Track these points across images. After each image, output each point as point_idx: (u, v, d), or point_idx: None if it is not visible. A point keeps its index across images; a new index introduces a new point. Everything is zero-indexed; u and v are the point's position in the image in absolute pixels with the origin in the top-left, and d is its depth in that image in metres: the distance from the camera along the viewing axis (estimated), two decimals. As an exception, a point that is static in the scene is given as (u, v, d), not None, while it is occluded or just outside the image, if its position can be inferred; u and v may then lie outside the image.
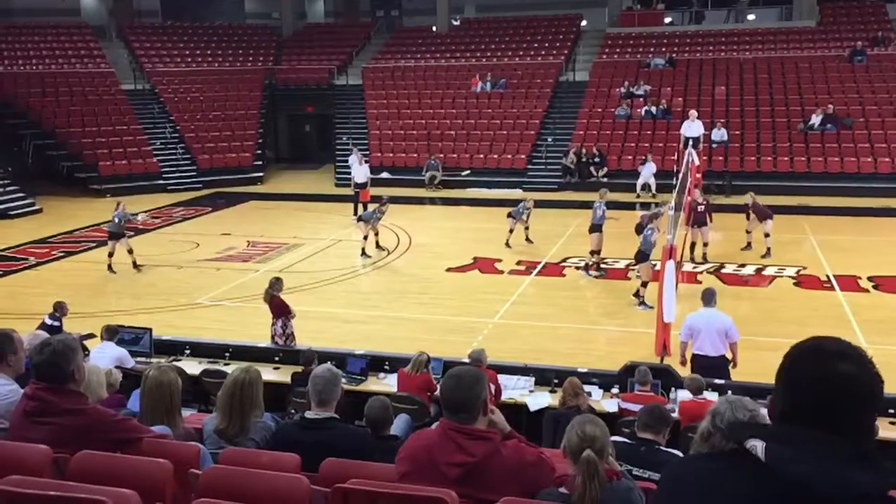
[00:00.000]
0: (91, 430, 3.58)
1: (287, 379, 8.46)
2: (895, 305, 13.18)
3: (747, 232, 16.51)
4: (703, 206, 15.96)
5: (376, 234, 17.20)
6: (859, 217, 19.46)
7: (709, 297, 9.13)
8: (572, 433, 3.37)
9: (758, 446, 1.55)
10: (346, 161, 24.77)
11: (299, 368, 8.40)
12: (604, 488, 3.14)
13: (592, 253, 15.23)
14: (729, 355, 8.82)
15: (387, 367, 8.90)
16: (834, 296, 13.63)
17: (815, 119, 24.42)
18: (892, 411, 7.48)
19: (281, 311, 10.41)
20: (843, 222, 18.93)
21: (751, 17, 31.46)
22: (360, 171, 21.08)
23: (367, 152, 26.37)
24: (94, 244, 18.29)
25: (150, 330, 9.52)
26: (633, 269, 14.31)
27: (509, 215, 17.41)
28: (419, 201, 23.81)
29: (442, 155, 26.56)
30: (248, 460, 3.69)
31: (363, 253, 16.82)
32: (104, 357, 8.05)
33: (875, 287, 13.99)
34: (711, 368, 8.50)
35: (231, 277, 15.54)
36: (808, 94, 25.86)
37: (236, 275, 15.72)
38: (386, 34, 34.73)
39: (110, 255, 15.82)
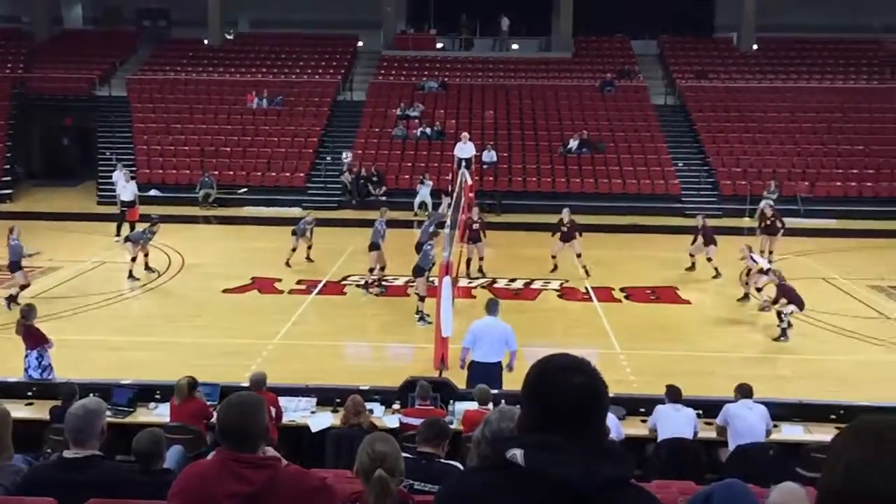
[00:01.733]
0: None
1: (44, 415, 7.71)
2: (643, 314, 14.57)
3: (690, 255, 17.01)
4: (478, 224, 16.71)
5: (146, 256, 16.26)
6: (612, 234, 21.25)
7: (492, 307, 9.75)
8: (363, 453, 3.38)
9: (518, 454, 1.74)
10: (110, 178, 23.20)
11: (58, 402, 7.70)
12: (396, 506, 3.17)
13: (371, 270, 15.41)
14: (505, 362, 9.35)
15: (158, 397, 8.40)
16: (592, 306, 14.81)
17: (573, 143, 26.48)
18: (833, 417, 8.10)
19: (35, 341, 9.51)
20: (599, 238, 20.59)
21: (514, 46, 33.54)
22: (126, 189, 19.83)
23: (134, 168, 24.85)
24: None
25: None
26: (412, 286, 14.65)
27: (293, 232, 17.19)
28: (192, 220, 22.79)
29: (217, 172, 25.64)
30: (-4, 509, 3.32)
31: (131, 275, 15.81)
32: None
33: (626, 297, 15.38)
34: (488, 375, 8.98)
35: (-26, 306, 13.93)
36: (566, 120, 27.97)
37: (-19, 303, 14.10)
38: (153, 45, 32.98)
39: None
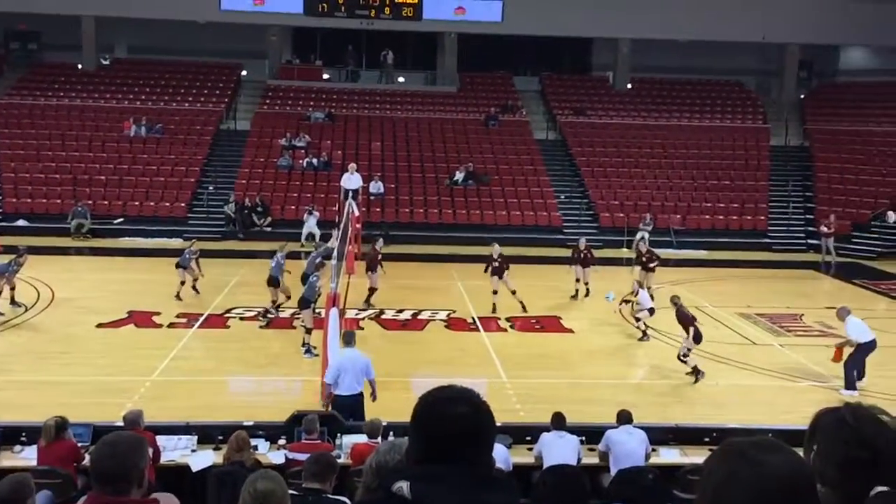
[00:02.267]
0: None
1: None
2: (528, 343, 14.87)
3: (577, 280, 17.87)
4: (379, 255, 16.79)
5: (12, 289, 15.30)
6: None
7: (349, 338, 9.81)
8: (245, 492, 3.27)
9: (403, 487, 1.75)
10: (-28, 206, 21.81)
11: None
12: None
13: (274, 303, 15.19)
14: (367, 392, 9.43)
15: (24, 439, 7.88)
16: (479, 336, 14.99)
17: (459, 175, 26.91)
18: (707, 440, 8.26)
19: None
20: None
21: (401, 79, 33.89)
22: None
23: (0, 197, 23.46)
24: None
25: None
26: (297, 318, 14.41)
27: (177, 265, 16.66)
28: (64, 252, 21.64)
29: (91, 201, 24.53)
30: None
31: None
32: None
33: (511, 327, 15.66)
34: (352, 407, 9.12)
35: None
36: (452, 153, 28.43)
37: None
38: (22, 68, 31.36)
39: None
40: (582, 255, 17.95)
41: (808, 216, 27.48)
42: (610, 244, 25.35)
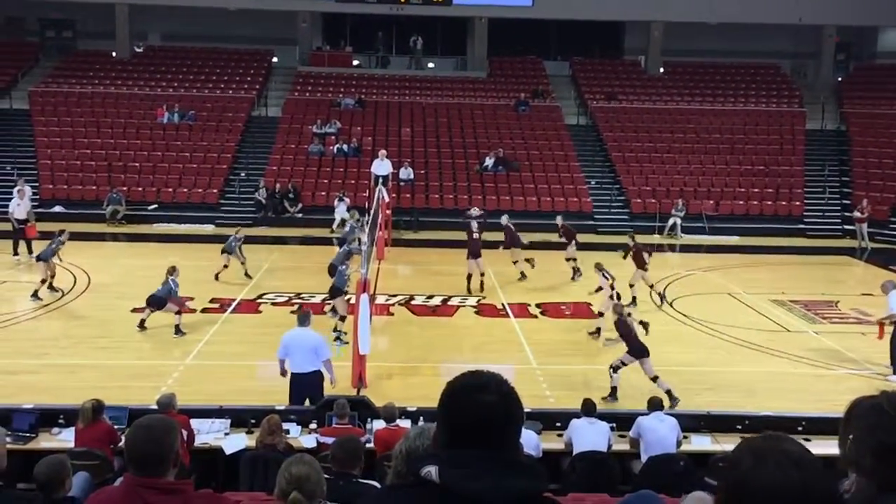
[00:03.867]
0: None
1: (-65, 445, 7.28)
2: (558, 329, 14.82)
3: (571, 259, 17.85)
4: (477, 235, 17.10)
5: (52, 276, 15.59)
6: (528, 250, 21.59)
7: (303, 318, 9.90)
8: (280, 476, 3.31)
9: (432, 471, 1.76)
10: (11, 193, 22.19)
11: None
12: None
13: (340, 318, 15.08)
14: (324, 371, 9.50)
15: (62, 421, 8.05)
16: (509, 322, 14.97)
17: (489, 161, 26.82)
18: (739, 427, 8.27)
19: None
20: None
21: (430, 65, 33.83)
22: (20, 207, 18.99)
23: (37, 184, 23.87)
24: None
25: None
26: (328, 305, 14.50)
27: (223, 251, 17.07)
28: (99, 237, 22.00)
29: (126, 188, 24.87)
30: None
31: (35, 295, 15.11)
32: None
33: (542, 313, 15.62)
34: (306, 385, 9.29)
35: None
36: (481, 139, 28.34)
37: None
38: (57, 57, 31.80)
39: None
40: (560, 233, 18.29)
41: (844, 201, 27.00)
42: (641, 230, 25.14)
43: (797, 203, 26.67)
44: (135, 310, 14.74)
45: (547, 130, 29.03)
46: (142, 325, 13.47)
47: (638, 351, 10.61)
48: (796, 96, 31.52)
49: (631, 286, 15.83)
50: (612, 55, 34.83)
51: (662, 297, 16.25)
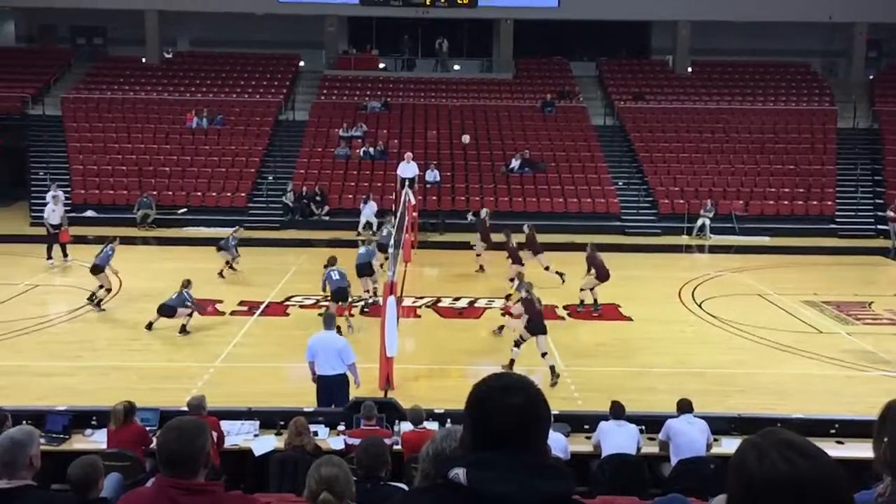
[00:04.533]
0: None
1: (-28, 445, 7.41)
2: (585, 331, 14.74)
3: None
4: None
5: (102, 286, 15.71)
6: (554, 252, 21.51)
7: (328, 321, 9.97)
8: (310, 478, 3.33)
9: (460, 473, 1.76)
10: (43, 198, 22.58)
11: (-13, 432, 7.40)
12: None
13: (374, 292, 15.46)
14: (349, 375, 9.58)
15: (94, 423, 8.15)
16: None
17: (515, 163, 26.77)
18: (833, 431, 8.16)
19: (-37, 368, 9.13)
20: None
21: (456, 67, 33.84)
22: (54, 213, 19.29)
23: (69, 188, 24.26)
24: None
25: None
26: (355, 306, 14.57)
27: (218, 249, 17.63)
28: (130, 241, 22.21)
29: (155, 192, 25.17)
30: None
31: (98, 304, 15.10)
32: None
33: (569, 315, 15.54)
34: (332, 386, 9.40)
35: None
36: (507, 140, 28.28)
37: None
38: (89, 63, 32.29)
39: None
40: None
41: (877, 200, 26.55)
42: (669, 231, 24.99)
43: (829, 203, 26.29)
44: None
45: (574, 131, 28.92)
46: (149, 327, 13.77)
47: (537, 328, 11.67)
48: (827, 95, 31.08)
49: (581, 290, 15.69)
50: (639, 55, 34.59)
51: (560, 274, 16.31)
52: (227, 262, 17.70)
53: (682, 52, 32.45)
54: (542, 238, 22.15)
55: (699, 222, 24.85)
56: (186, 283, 14.01)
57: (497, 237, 18.09)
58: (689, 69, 32.53)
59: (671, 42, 32.90)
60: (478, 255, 18.23)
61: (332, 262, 14.35)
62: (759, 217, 25.66)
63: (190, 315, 13.77)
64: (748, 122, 29.45)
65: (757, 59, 32.84)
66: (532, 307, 11.85)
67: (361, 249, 16.03)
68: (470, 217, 19.02)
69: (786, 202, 26.16)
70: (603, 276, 15.46)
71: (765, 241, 24.33)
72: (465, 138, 27.91)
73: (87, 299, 15.16)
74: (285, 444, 7.30)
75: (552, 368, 11.48)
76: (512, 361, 11.70)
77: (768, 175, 27.21)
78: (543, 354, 11.61)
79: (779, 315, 15.81)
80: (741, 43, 32.38)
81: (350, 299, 14.28)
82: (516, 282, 13.70)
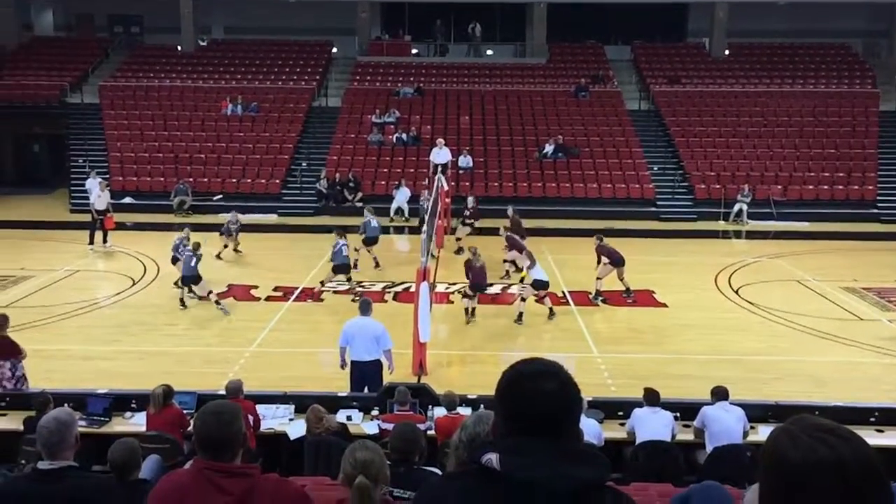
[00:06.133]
0: None
1: (18, 426, 7.60)
2: (619, 318, 14.66)
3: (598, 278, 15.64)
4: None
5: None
6: (588, 238, 21.37)
7: (364, 307, 9.97)
8: (346, 462, 3.35)
9: (493, 459, 1.75)
10: (83, 185, 22.98)
11: (32, 413, 7.58)
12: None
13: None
14: (384, 360, 9.60)
15: (134, 406, 8.31)
16: (569, 310, 14.85)
17: (548, 148, 26.59)
18: (872, 419, 8.13)
19: (9, 351, 9.35)
20: (575, 243, 20.67)
21: (489, 52, 33.65)
22: (101, 199, 19.63)
23: (108, 175, 24.62)
24: None
25: None
26: (388, 292, 14.62)
27: (221, 233, 18.33)
28: (168, 228, 22.51)
29: (191, 179, 25.46)
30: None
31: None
32: None
33: (603, 301, 15.44)
34: (367, 372, 9.41)
35: (-56, 317, 13.71)
36: (541, 125, 28.10)
37: (-50, 313, 13.89)
38: (125, 51, 32.70)
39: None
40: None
41: (920, 185, 25.96)
42: (705, 216, 24.69)
43: (870, 187, 25.74)
44: (201, 298, 15.12)
45: (608, 116, 28.64)
46: (182, 303, 14.45)
47: (477, 287, 14.05)
48: (869, 76, 30.37)
49: (598, 279, 15.50)
50: (674, 38, 34.09)
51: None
52: (226, 246, 18.32)
53: (718, 35, 31.92)
54: (573, 224, 22.14)
55: (736, 207, 24.51)
56: (196, 247, 14.63)
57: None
58: (727, 52, 31.99)
59: (708, 24, 32.36)
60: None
61: (340, 234, 15.29)
62: (798, 202, 25.22)
63: (186, 289, 14.50)
64: (787, 105, 28.91)
65: (796, 41, 32.20)
66: (471, 269, 13.99)
67: (374, 222, 16.92)
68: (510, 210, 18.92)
69: (826, 187, 25.68)
70: (618, 260, 15.34)
71: (804, 226, 23.92)
72: (464, 120, 27.82)
73: (215, 302, 14.33)
74: (309, 433, 7.31)
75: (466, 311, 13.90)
76: (466, 311, 13.86)
77: (808, 159, 26.71)
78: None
79: (818, 301, 15.57)
80: (780, 24, 31.76)
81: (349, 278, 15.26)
82: (527, 262, 14.43)
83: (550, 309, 14.13)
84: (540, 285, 13.96)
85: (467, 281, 14.29)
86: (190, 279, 14.33)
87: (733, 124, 28.07)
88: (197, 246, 14.69)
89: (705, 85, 30.21)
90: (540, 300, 14.16)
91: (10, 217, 23.70)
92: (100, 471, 5.00)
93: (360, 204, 24.78)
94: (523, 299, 14.05)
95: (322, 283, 15.47)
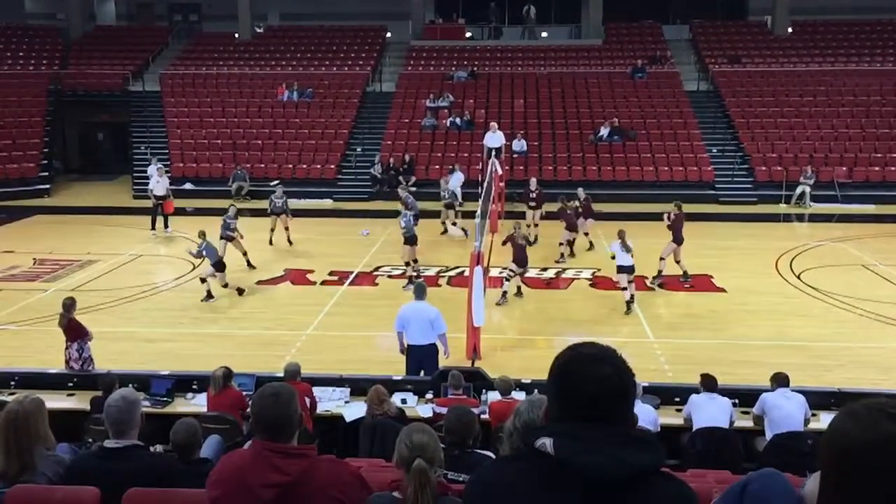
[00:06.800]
0: None
1: (85, 406, 7.87)
2: (677, 303, 14.44)
3: (585, 234, 17.71)
4: None
5: (245, 253, 16.49)
6: (644, 221, 21.04)
7: (419, 291, 10.03)
8: (401, 444, 3.38)
9: (547, 443, 1.75)
10: (145, 172, 23.53)
11: (99, 393, 7.84)
12: (435, 497, 3.17)
13: (407, 264, 15.51)
14: (439, 345, 9.64)
15: (195, 387, 8.53)
16: (625, 295, 14.65)
17: (604, 131, 26.24)
18: None
19: (76, 333, 9.68)
20: (632, 227, 20.35)
21: (544, 34, 33.30)
22: (159, 184, 20.11)
23: (168, 162, 25.18)
24: None
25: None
26: (443, 276, 14.64)
27: (270, 212, 18.37)
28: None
29: (249, 165, 25.87)
30: (40, 498, 3.39)
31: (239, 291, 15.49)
32: None
33: (660, 286, 15.23)
34: (422, 356, 9.53)
35: (15, 299, 14.26)
36: (596, 108, 27.73)
37: (21, 296, 14.44)
38: (185, 40, 33.32)
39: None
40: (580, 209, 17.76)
41: None
42: (766, 199, 24.11)
43: (941, 168, 24.79)
44: (259, 282, 15.40)
45: (665, 97, 28.10)
46: (240, 292, 14.57)
47: (521, 261, 14.08)
48: (940, 53, 29.17)
49: (661, 259, 15.24)
50: (735, 16, 33.26)
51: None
52: (272, 229, 18.40)
53: (781, 12, 31.00)
54: (630, 208, 21.84)
55: (798, 190, 23.87)
56: (202, 234, 14.80)
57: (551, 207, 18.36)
58: (790, 30, 31.05)
59: (770, 1, 31.43)
60: (585, 234, 17.98)
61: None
62: (864, 184, 24.43)
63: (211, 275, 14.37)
64: (852, 84, 27.98)
65: (862, 18, 31.07)
66: (515, 245, 14.05)
67: (404, 220, 15.77)
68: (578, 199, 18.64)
69: (892, 168, 24.79)
70: (679, 239, 15.27)
71: (870, 209, 23.17)
72: (518, 103, 27.55)
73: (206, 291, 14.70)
74: (368, 413, 7.39)
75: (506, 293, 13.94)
76: (504, 294, 13.94)
77: (874, 140, 25.82)
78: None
79: (884, 287, 15.09)
80: (844, 1, 30.65)
81: None
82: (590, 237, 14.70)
83: (631, 297, 13.53)
84: (623, 270, 13.69)
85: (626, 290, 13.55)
86: (218, 265, 14.47)
87: (796, 104, 27.28)
88: (203, 234, 14.92)
89: (767, 64, 29.41)
90: (623, 288, 13.65)
91: (77, 203, 24.48)
92: (164, 450, 5.14)
93: (413, 188, 24.87)
94: (507, 279, 14.18)
95: (407, 263, 15.48)
